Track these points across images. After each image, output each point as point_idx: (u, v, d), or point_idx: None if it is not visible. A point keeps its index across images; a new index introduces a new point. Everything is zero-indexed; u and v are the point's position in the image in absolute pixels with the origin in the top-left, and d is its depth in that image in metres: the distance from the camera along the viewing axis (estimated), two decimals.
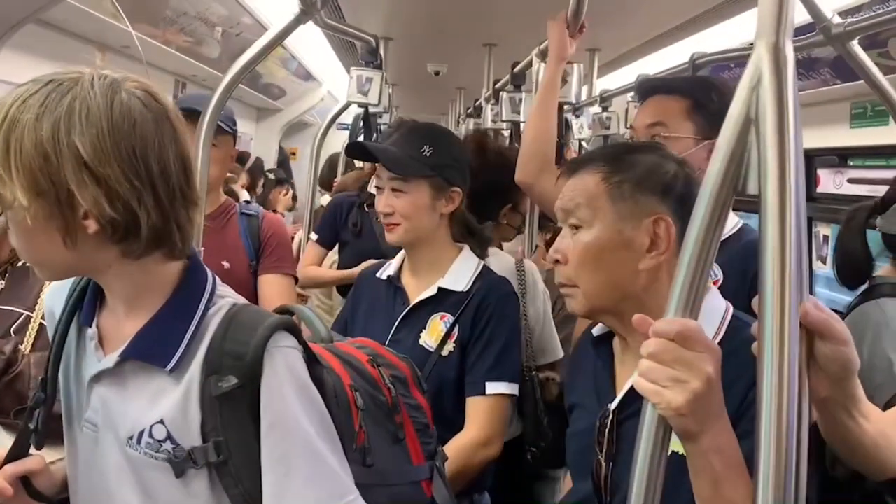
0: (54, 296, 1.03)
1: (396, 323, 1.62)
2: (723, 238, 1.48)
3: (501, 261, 1.89)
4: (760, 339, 0.66)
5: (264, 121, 6.95)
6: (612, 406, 1.13)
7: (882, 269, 1.51)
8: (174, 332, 0.91)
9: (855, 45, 1.59)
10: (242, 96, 5.72)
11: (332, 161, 4.96)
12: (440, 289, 1.61)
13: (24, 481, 0.99)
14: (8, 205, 0.84)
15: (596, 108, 3.46)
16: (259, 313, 0.94)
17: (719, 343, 1.04)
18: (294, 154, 7.65)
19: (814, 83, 2.54)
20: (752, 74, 0.68)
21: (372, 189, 2.59)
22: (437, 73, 4.22)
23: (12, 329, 1.63)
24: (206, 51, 3.93)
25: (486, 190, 1.66)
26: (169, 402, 0.89)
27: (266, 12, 3.60)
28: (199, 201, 0.94)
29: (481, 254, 1.69)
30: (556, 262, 1.18)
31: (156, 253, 0.90)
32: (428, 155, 1.60)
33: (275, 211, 5.31)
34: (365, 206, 2.75)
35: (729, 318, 1.11)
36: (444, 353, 1.57)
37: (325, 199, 4.02)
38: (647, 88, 1.70)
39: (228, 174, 3.38)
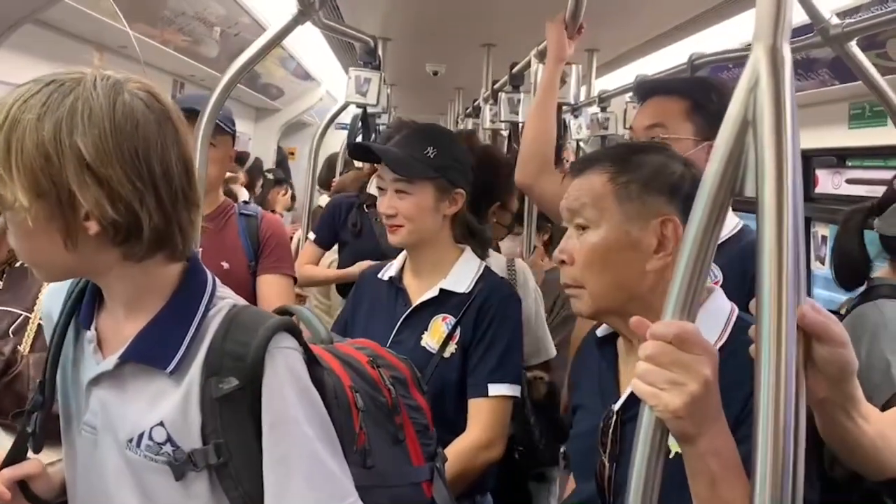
0: (52, 298, 1.02)
1: (398, 324, 1.61)
2: (723, 239, 1.47)
3: (492, 261, 1.89)
4: (758, 340, 0.66)
5: (263, 121, 6.93)
6: (616, 407, 1.13)
7: (880, 270, 1.51)
8: (174, 333, 0.90)
9: (853, 46, 1.59)
10: (241, 96, 5.71)
11: (331, 161, 4.97)
12: (442, 290, 1.60)
13: (22, 485, 0.98)
14: (8, 205, 0.83)
15: (594, 109, 3.46)
16: (259, 314, 0.93)
17: (725, 344, 1.05)
18: (293, 154, 7.63)
19: (812, 84, 2.54)
20: (750, 76, 0.68)
21: (372, 190, 2.60)
22: (435, 74, 4.22)
23: (11, 330, 1.63)
24: (204, 51, 3.92)
25: (473, 189, 1.66)
26: (169, 404, 0.89)
27: (264, 12, 3.59)
28: (200, 203, 0.94)
29: (482, 255, 1.69)
30: (562, 262, 1.17)
31: (157, 255, 0.90)
32: (432, 156, 1.59)
33: (273, 211, 5.31)
34: (365, 206, 2.74)
35: (734, 319, 1.10)
36: (446, 354, 1.57)
37: (323, 199, 4.01)
38: (646, 89, 1.69)
39: (229, 174, 3.39)
